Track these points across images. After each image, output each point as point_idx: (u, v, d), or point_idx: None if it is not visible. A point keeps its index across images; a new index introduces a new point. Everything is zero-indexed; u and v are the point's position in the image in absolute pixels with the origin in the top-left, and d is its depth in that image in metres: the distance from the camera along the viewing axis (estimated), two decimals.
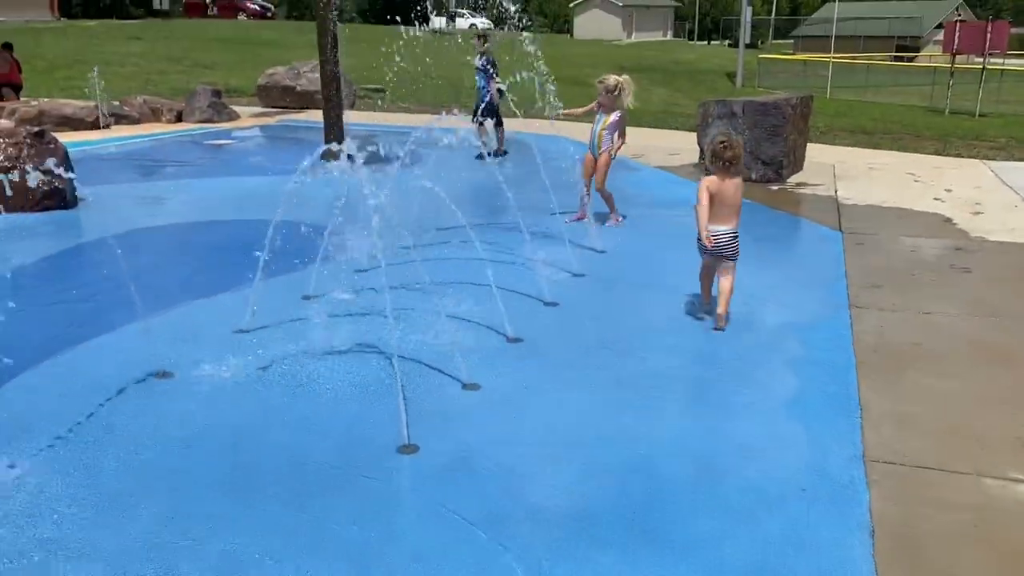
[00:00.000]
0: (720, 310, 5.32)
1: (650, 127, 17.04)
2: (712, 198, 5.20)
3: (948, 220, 8.58)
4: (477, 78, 11.93)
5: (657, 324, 5.50)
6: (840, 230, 8.00)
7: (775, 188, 10.17)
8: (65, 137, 13.78)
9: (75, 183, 9.01)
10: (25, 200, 8.48)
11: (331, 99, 11.82)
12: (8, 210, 8.39)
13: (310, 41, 14.80)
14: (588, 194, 8.02)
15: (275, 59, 23.54)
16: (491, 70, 11.65)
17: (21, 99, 15.91)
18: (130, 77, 26.94)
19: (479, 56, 11.85)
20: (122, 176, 10.58)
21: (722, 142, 5.22)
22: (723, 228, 5.28)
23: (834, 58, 33.68)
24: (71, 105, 15.06)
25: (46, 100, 15.57)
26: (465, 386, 4.52)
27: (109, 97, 17.27)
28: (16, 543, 3.14)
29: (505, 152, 11.77)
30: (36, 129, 8.98)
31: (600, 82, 8.06)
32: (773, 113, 10.11)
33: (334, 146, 10.37)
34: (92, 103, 15.07)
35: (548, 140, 8.68)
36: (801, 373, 4.71)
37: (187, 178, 10.43)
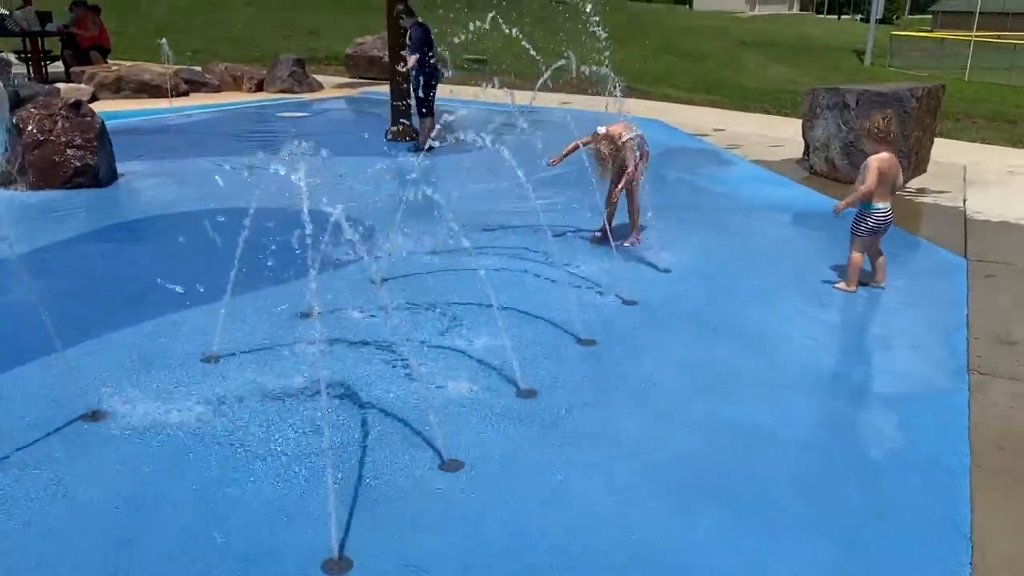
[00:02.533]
0: (880, 279, 5.73)
1: (760, 111, 15.52)
2: (880, 176, 5.40)
3: None
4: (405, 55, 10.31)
5: (704, 383, 4.36)
6: (965, 256, 6.55)
7: None
8: (138, 105, 13.53)
9: (114, 159, 8.57)
10: (57, 176, 7.99)
11: (399, 74, 10.92)
12: (38, 186, 7.94)
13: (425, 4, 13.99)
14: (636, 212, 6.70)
15: (380, 26, 22.92)
16: (413, 45, 10.05)
17: (108, 62, 15.77)
18: (235, 42, 26.99)
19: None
20: (175, 150, 10.03)
21: (886, 118, 5.51)
22: (886, 206, 5.55)
23: (977, 36, 30.66)
24: (150, 71, 14.77)
25: (128, 64, 15.36)
26: (443, 465, 3.54)
27: (192, 63, 17.03)
28: None
29: (430, 148, 9.41)
30: (73, 100, 8.44)
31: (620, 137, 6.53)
32: (893, 106, 8.58)
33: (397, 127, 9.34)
34: (172, 69, 14.74)
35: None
36: (890, 478, 3.50)
37: (237, 155, 9.76)
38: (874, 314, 5.37)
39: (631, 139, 6.29)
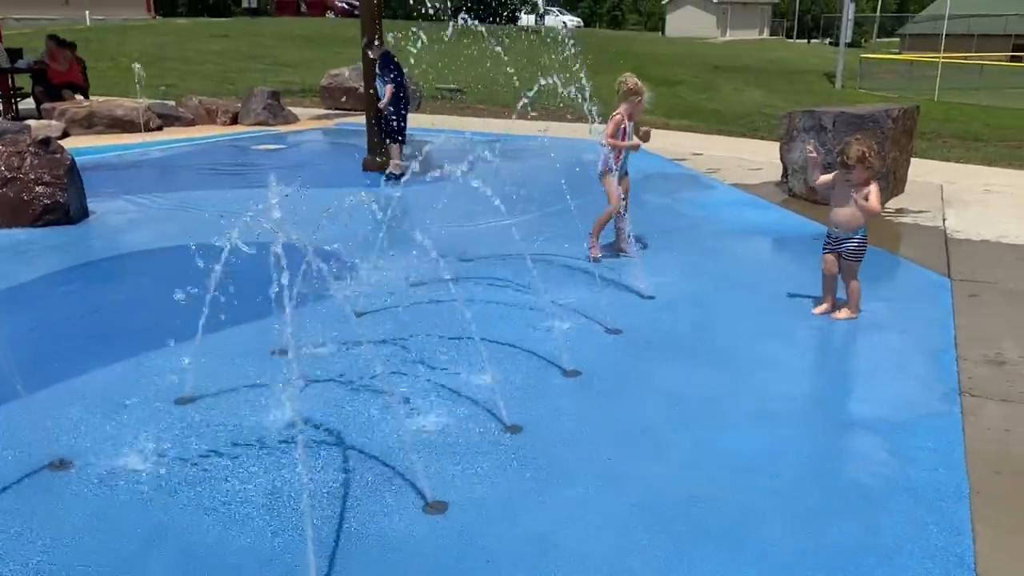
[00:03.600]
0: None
1: (736, 135, 15.60)
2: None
3: None
4: (377, 85, 10.46)
5: (693, 414, 4.26)
6: (949, 276, 6.52)
7: None
8: (111, 140, 13.36)
9: (85, 196, 8.40)
10: (26, 214, 7.81)
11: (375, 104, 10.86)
12: (6, 224, 7.75)
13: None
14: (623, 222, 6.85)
15: (355, 58, 22.98)
16: (387, 72, 10.13)
17: (77, 99, 15.60)
18: (208, 76, 26.91)
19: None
20: (148, 185, 9.87)
21: (870, 148, 5.27)
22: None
23: (944, 58, 31.22)
24: (123, 106, 14.59)
25: (99, 100, 15.19)
26: (427, 507, 3.39)
27: (168, 97, 16.91)
28: None
29: (399, 176, 9.12)
30: (42, 137, 8.28)
31: (638, 84, 6.78)
32: (870, 127, 8.62)
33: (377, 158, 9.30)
34: (145, 104, 14.60)
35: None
36: (887, 508, 3.40)
37: (211, 189, 9.62)
38: (861, 337, 5.30)
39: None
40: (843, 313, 5.48)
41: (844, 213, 5.32)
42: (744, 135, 15.67)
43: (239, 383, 4.51)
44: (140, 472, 3.63)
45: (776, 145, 10.38)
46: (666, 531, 3.23)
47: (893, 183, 9.25)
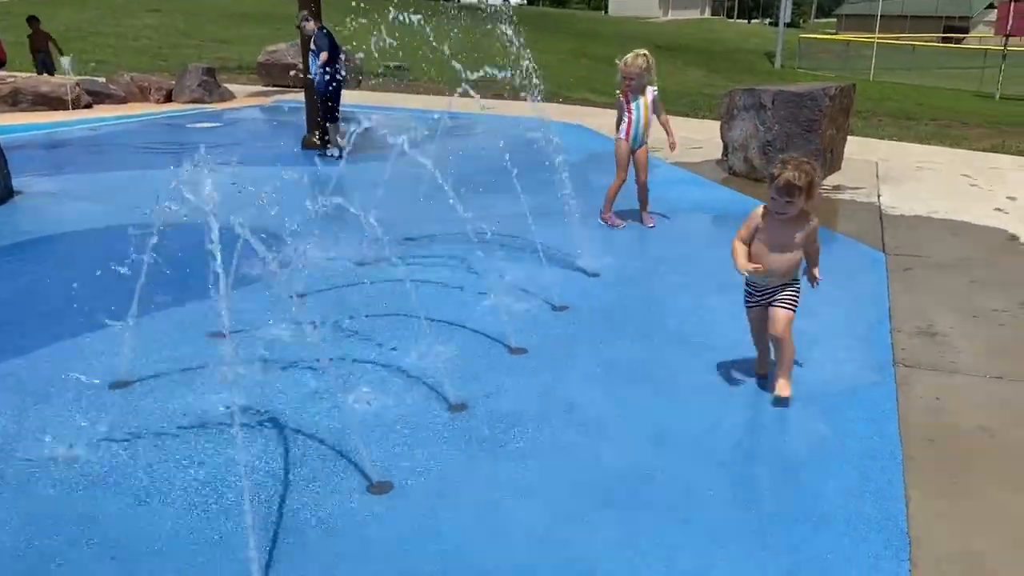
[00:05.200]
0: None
1: (678, 114, 15.71)
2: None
3: (1014, 238, 7.22)
4: (310, 63, 10.31)
5: (637, 389, 4.29)
6: (883, 250, 6.68)
7: None
8: (37, 118, 12.88)
9: (9, 176, 8.08)
10: None
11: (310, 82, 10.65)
12: None
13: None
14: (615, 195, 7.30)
15: (294, 35, 22.48)
16: (317, 47, 9.99)
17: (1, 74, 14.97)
18: (141, 51, 26.11)
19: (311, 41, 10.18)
20: (76, 164, 9.55)
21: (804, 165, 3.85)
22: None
23: (879, 38, 31.92)
24: (49, 82, 14.10)
25: (23, 76, 14.61)
26: (372, 487, 3.35)
27: (97, 73, 16.34)
28: None
29: (337, 154, 9.40)
30: None
31: (627, 65, 6.89)
32: (808, 105, 8.76)
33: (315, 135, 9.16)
34: (73, 80, 14.09)
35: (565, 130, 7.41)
36: (823, 477, 3.47)
37: (144, 168, 9.33)
38: (799, 312, 5.38)
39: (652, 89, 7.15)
40: (784, 386, 4.03)
41: (784, 259, 3.95)
42: (685, 114, 15.80)
43: (175, 366, 4.39)
44: (70, 459, 3.51)
45: (716, 124, 10.47)
46: (609, 505, 3.24)
47: (830, 160, 9.43)
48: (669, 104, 17.47)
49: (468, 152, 9.28)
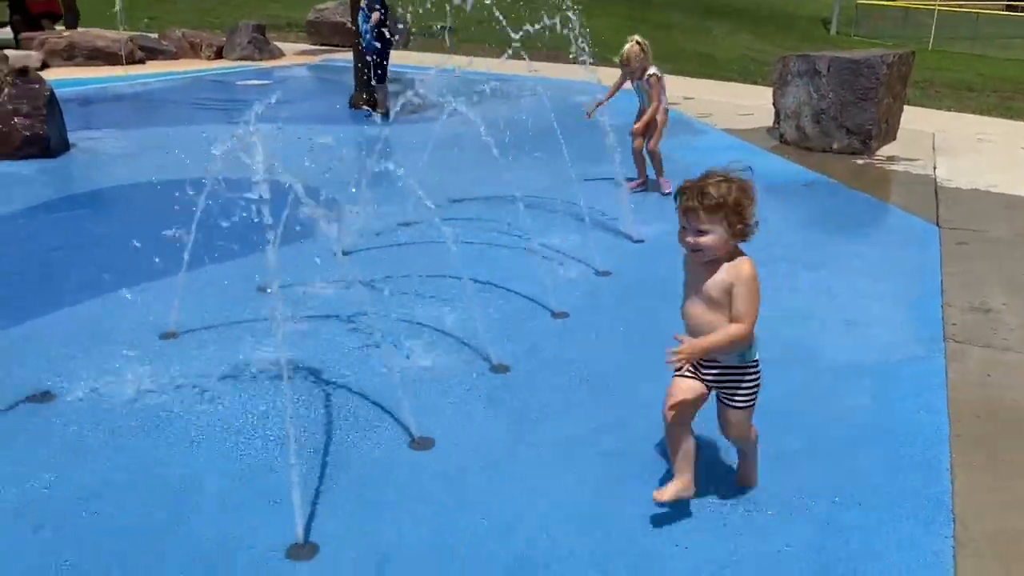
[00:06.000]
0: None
1: (727, 79, 15.42)
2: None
3: None
4: (360, 22, 10.25)
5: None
6: (937, 224, 6.52)
7: (860, 162, 8.64)
8: (92, 72, 13.06)
9: (65, 129, 8.23)
10: (5, 145, 7.64)
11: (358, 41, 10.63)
12: None
13: None
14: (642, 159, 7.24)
15: None
16: (368, 6, 9.96)
17: (56, 29, 15.21)
18: (192, 8, 26.26)
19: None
20: (129, 119, 9.70)
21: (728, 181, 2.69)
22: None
23: (940, 5, 30.87)
24: (104, 37, 14.25)
25: (79, 31, 14.80)
26: (413, 443, 3.41)
27: (151, 29, 16.49)
28: None
29: (385, 114, 9.59)
30: (19, 67, 8.07)
31: (626, 58, 6.95)
32: (865, 73, 8.53)
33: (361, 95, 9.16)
34: (126, 35, 14.25)
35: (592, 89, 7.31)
36: (868, 451, 3.43)
37: (195, 124, 9.45)
38: (848, 283, 5.30)
39: (656, 75, 6.92)
40: (751, 479, 3.13)
41: (703, 320, 2.75)
42: (736, 80, 15.49)
43: (223, 319, 4.48)
44: (124, 405, 3.62)
45: (768, 91, 10.26)
46: (646, 472, 3.24)
47: (886, 130, 9.20)
48: (718, 70, 17.21)
49: (515, 114, 9.22)
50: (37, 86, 7.91)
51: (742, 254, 2.69)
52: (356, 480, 3.14)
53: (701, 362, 2.80)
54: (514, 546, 2.81)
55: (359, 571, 2.68)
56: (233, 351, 4.12)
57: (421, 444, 3.38)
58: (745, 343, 2.70)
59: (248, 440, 3.39)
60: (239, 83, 12.79)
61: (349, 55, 11.35)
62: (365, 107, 10.50)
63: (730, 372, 2.79)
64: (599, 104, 6.81)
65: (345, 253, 5.45)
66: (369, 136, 8.79)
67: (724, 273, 2.65)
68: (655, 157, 7.23)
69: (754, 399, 2.86)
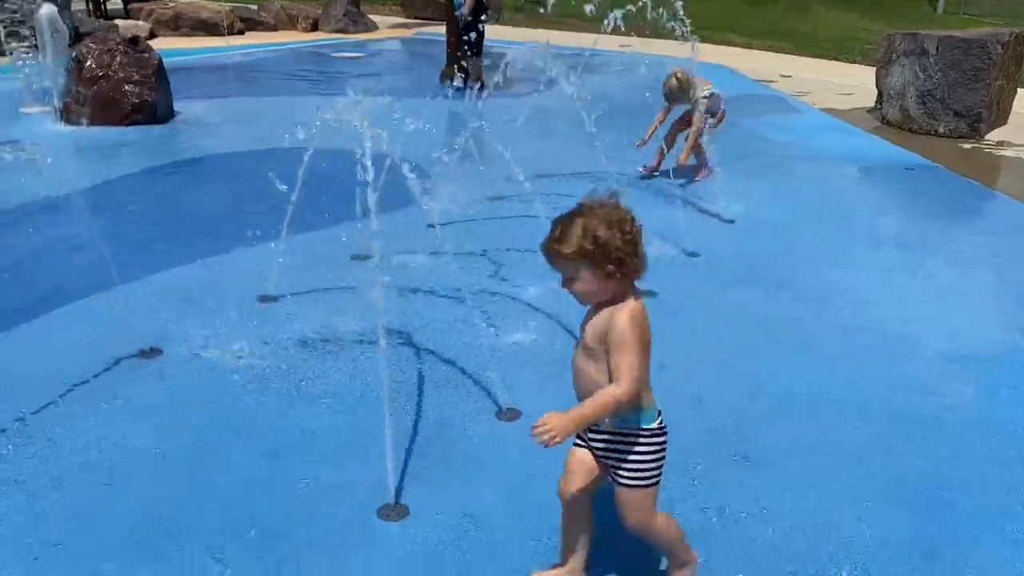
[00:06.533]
0: None
1: (825, 58, 14.93)
2: (646, 346, 2.26)
3: None
4: None
5: (769, 342, 4.20)
6: None
7: (967, 146, 8.27)
8: (195, 43, 13.52)
9: (171, 96, 8.55)
10: (115, 112, 8.00)
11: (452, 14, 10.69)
12: (98, 122, 7.95)
13: None
14: (666, 150, 6.71)
15: None
16: None
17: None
18: None
19: None
20: (230, 88, 10.01)
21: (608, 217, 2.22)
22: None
23: None
24: (207, 8, 14.71)
25: (185, 2, 15.30)
26: (501, 414, 3.46)
27: (251, 1, 16.92)
28: None
29: (477, 87, 9.91)
30: (131, 36, 8.41)
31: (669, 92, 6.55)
32: (976, 53, 8.14)
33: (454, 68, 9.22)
34: (228, 7, 14.67)
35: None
36: (968, 440, 3.33)
37: (292, 94, 9.70)
38: (949, 272, 5.11)
39: (700, 99, 6.38)
40: None
41: (582, 373, 2.32)
42: (836, 58, 14.98)
43: (319, 285, 4.61)
44: (225, 363, 3.78)
45: (870, 70, 9.91)
46: (737, 455, 3.22)
47: (997, 114, 8.77)
48: (820, 47, 16.63)
49: (607, 90, 9.15)
50: (147, 55, 8.24)
51: (634, 295, 2.22)
52: (446, 446, 3.22)
53: (590, 427, 2.32)
54: (599, 519, 2.84)
55: (446, 534, 2.75)
56: (328, 316, 4.25)
57: (509, 415, 3.44)
58: (627, 407, 2.21)
59: (342, 402, 3.50)
60: (334, 55, 13.04)
61: (442, 28, 11.44)
62: (457, 81, 10.56)
63: (617, 440, 2.31)
64: (646, 139, 6.60)
65: (436, 225, 5.52)
66: (460, 110, 8.86)
67: (601, 318, 2.22)
68: (698, 154, 6.90)
69: (649, 478, 2.31)
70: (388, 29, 16.45)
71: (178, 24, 14.29)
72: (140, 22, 13.86)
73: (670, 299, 4.57)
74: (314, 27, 15.75)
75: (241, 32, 14.69)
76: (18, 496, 2.87)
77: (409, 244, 5.05)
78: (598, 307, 2.24)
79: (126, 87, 8.00)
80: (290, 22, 15.78)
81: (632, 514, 2.35)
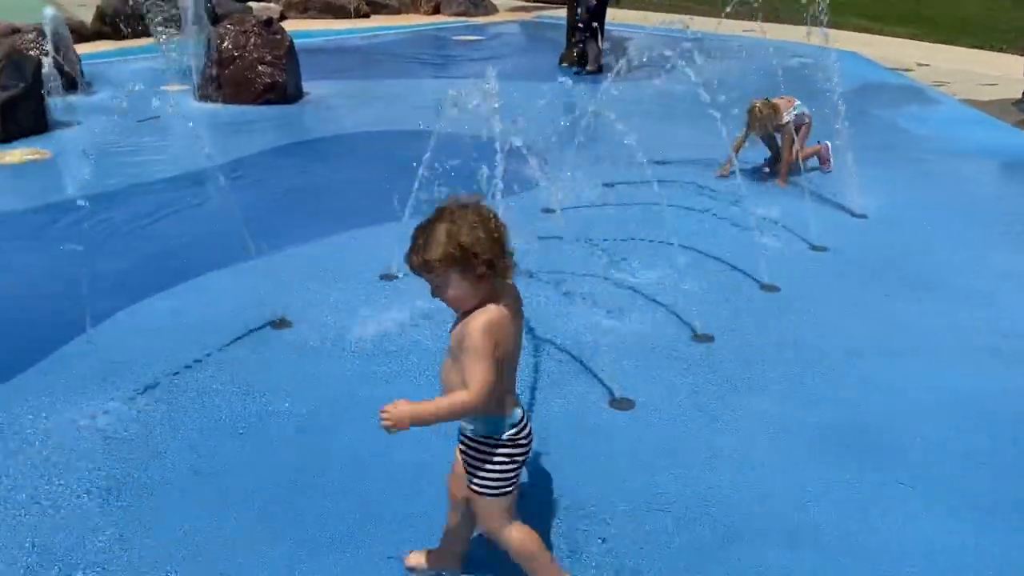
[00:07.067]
0: None
1: (964, 45, 14.05)
2: (500, 357, 2.17)
3: None
4: None
5: (898, 342, 4.00)
6: None
7: None
8: (323, 24, 13.92)
9: (300, 77, 8.84)
10: (248, 91, 8.33)
11: None
12: (231, 100, 8.30)
13: None
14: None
15: None
16: None
17: None
18: None
19: None
20: (356, 70, 10.27)
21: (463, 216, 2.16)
22: (519, 414, 2.32)
23: None
24: None
25: None
26: (613, 402, 3.44)
27: None
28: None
29: (596, 72, 9.80)
30: (265, 18, 8.73)
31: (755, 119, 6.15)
32: None
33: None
34: None
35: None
36: None
37: (414, 77, 9.87)
38: None
39: (789, 122, 6.12)
40: None
41: (447, 376, 2.29)
42: (979, 47, 14.08)
43: None
44: (346, 335, 3.90)
45: (1017, 59, 9.27)
46: (853, 458, 3.10)
47: None
48: (960, 33, 15.65)
49: (729, 76, 8.88)
50: (279, 36, 8.54)
51: (499, 296, 2.18)
52: (559, 430, 3.23)
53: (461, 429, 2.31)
54: (712, 513, 2.79)
55: (559, 519, 2.77)
56: None
57: (621, 405, 3.41)
58: (475, 413, 2.16)
59: None
60: (454, 38, 13.17)
61: (562, 12, 11.39)
62: (576, 64, 10.51)
63: (473, 447, 2.27)
64: (728, 166, 6.25)
65: (553, 210, 5.52)
66: (578, 94, 8.81)
67: (462, 324, 2.18)
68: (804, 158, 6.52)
69: (499, 488, 2.25)
70: (508, 12, 16.48)
71: (307, 6, 14.73)
72: (272, 4, 14.35)
73: (793, 294, 4.44)
74: (436, 10, 15.94)
75: (366, 15, 15.02)
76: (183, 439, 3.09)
77: (527, 228, 5.06)
78: (465, 312, 2.18)
79: (259, 67, 8.32)
80: (413, 4, 16.02)
81: (482, 522, 2.34)
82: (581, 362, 3.72)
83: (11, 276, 4.59)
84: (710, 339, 3.94)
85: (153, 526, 2.70)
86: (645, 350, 3.84)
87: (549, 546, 2.62)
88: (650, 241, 4.96)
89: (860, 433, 3.25)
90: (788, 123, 6.15)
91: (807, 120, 6.29)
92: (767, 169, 6.47)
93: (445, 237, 2.09)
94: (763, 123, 6.07)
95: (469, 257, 2.08)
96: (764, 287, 4.50)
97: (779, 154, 6.26)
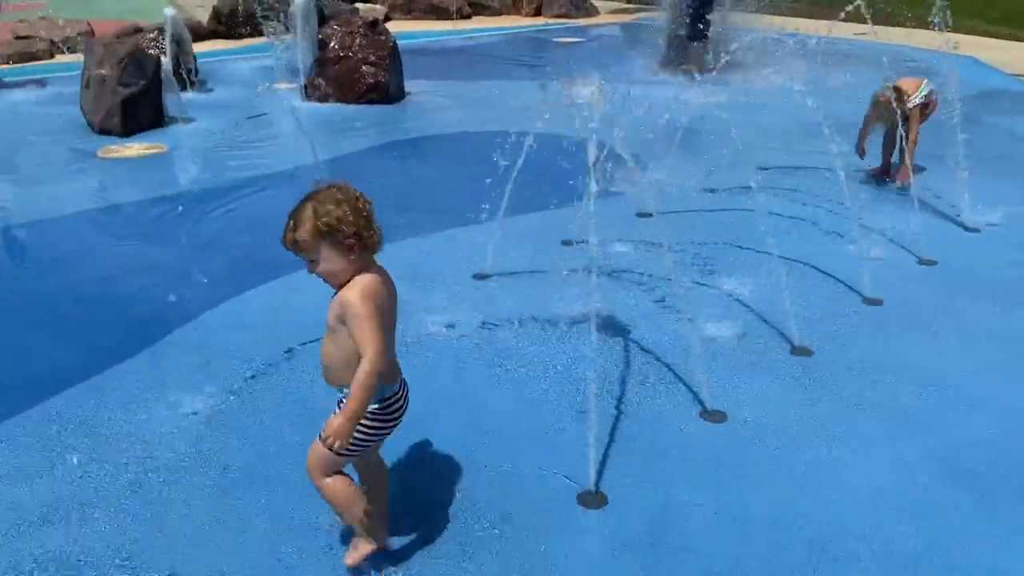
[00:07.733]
0: None
1: None
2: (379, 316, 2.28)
3: None
4: None
5: (1010, 363, 3.79)
6: None
7: None
8: (425, 25, 14.15)
9: (403, 77, 9.02)
10: (352, 91, 8.54)
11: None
12: (336, 99, 8.52)
13: None
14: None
15: None
16: None
17: None
18: None
19: None
20: (457, 71, 10.39)
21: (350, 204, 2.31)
22: (395, 388, 2.46)
23: None
24: None
25: None
26: (705, 414, 3.37)
27: None
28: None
29: (697, 75, 9.26)
30: (370, 19, 8.93)
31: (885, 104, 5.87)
32: None
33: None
34: None
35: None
36: None
37: (513, 79, 9.92)
38: None
39: (916, 106, 5.87)
40: (348, 554, 2.55)
41: (325, 347, 2.42)
42: None
43: (529, 266, 4.70)
44: (438, 335, 3.96)
45: None
46: (964, 480, 2.96)
47: None
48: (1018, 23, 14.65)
49: (839, 80, 8.61)
50: (383, 37, 8.73)
51: (369, 270, 2.33)
52: (647, 439, 3.19)
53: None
54: (808, 534, 2.70)
55: (643, 528, 2.73)
56: (537, 298, 4.32)
57: (713, 416, 3.34)
58: (380, 377, 2.24)
59: (547, 383, 3.57)
60: (554, 40, 13.17)
61: (664, 14, 11.25)
62: (678, 68, 10.36)
63: (342, 404, 2.31)
64: (862, 149, 6.08)
65: (648, 215, 5.46)
66: (678, 97, 8.66)
67: (337, 299, 2.31)
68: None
69: (349, 451, 2.30)
70: (609, 14, 16.38)
71: (411, 8, 15.00)
72: (377, 5, 14.67)
73: (898, 308, 4.27)
74: (537, 12, 15.97)
75: (468, 16, 15.19)
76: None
77: (621, 233, 5.03)
78: (340, 286, 2.31)
79: (363, 67, 8.52)
80: (514, 6, 16.09)
81: (308, 463, 2.40)
82: (673, 370, 3.66)
83: (128, 263, 4.84)
84: (809, 352, 3.82)
85: (252, 519, 2.79)
86: (741, 361, 3.76)
87: (636, 551, 2.60)
88: (748, 249, 4.85)
89: (976, 456, 3.09)
90: (915, 107, 5.92)
91: (934, 98, 6.05)
92: (875, 176, 6.24)
93: (312, 214, 2.25)
94: (890, 111, 5.83)
95: (336, 231, 2.23)
96: (867, 300, 4.33)
97: (900, 146, 5.99)
